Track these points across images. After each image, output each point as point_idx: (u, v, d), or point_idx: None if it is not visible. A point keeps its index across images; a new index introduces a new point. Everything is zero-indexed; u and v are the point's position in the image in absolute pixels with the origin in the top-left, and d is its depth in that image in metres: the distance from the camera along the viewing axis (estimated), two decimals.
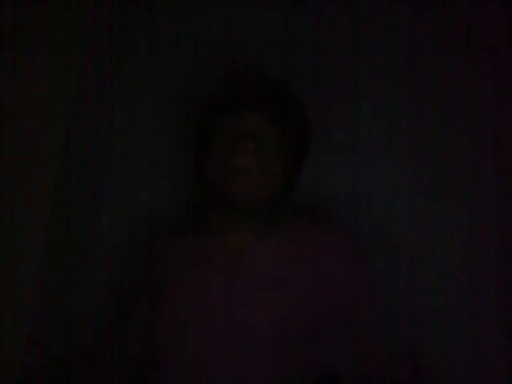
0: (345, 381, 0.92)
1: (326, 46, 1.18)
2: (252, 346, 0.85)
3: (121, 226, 1.15)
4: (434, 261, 1.13)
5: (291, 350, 0.86)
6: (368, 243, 1.13)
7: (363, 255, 0.95)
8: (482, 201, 1.13)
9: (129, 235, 1.14)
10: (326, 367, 0.91)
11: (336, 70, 1.18)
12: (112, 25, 1.08)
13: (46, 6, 0.92)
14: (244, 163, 0.86)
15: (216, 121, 0.92)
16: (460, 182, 1.14)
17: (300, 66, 1.17)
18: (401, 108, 1.16)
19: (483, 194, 1.14)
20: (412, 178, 1.15)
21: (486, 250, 1.12)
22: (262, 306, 0.87)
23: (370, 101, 1.17)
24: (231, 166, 0.87)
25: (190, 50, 1.17)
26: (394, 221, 1.14)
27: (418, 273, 1.13)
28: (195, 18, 1.17)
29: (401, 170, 1.16)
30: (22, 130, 0.90)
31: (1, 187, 0.89)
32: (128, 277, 1.02)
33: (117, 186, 1.15)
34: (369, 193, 1.15)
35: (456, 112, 1.16)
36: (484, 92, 1.15)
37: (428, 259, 1.13)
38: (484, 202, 1.13)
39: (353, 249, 0.93)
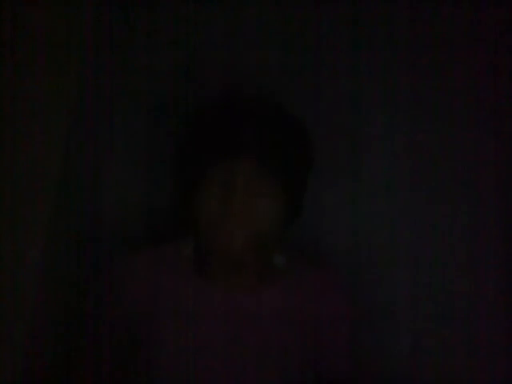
0: None
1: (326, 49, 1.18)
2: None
3: (121, 227, 1.15)
4: (435, 265, 1.13)
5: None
6: (368, 245, 1.14)
7: (350, 295, 0.96)
8: (483, 212, 1.14)
9: (129, 236, 1.15)
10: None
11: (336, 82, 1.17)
12: (112, 25, 1.08)
13: (46, 5, 0.91)
14: (233, 210, 0.79)
15: (203, 164, 0.84)
16: (461, 190, 1.15)
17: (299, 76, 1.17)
18: (401, 111, 1.17)
19: (484, 196, 1.14)
20: (411, 185, 1.15)
21: (486, 256, 1.13)
22: (260, 347, 0.87)
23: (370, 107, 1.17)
24: (220, 214, 0.80)
25: (191, 50, 1.17)
26: (393, 227, 1.14)
27: (418, 276, 1.13)
28: (196, 18, 1.17)
29: (400, 174, 1.16)
30: (22, 130, 0.90)
31: (1, 187, 0.89)
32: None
33: (117, 187, 1.15)
34: (366, 195, 1.15)
35: (457, 118, 1.16)
36: (484, 92, 1.15)
37: (428, 262, 1.13)
38: (486, 212, 1.14)
39: (343, 297, 0.94)
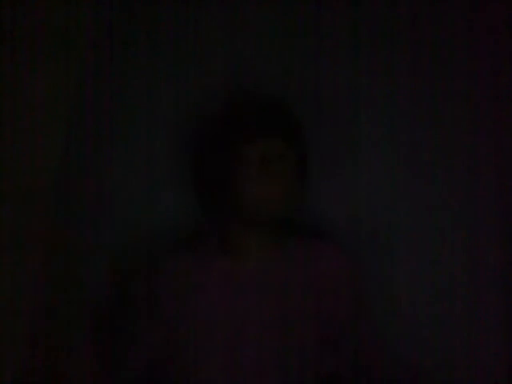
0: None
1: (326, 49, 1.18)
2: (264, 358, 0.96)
3: (121, 228, 1.15)
4: (435, 263, 1.13)
5: (295, 359, 0.96)
6: (368, 245, 1.14)
7: (357, 268, 1.05)
8: (482, 206, 1.14)
9: (129, 237, 1.15)
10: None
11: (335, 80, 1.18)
12: (112, 24, 1.08)
13: (46, 6, 0.91)
14: (280, 186, 0.95)
15: (233, 149, 0.98)
16: (460, 187, 1.14)
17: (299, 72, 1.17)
18: (401, 112, 1.17)
19: (483, 200, 1.14)
20: (412, 181, 1.15)
21: (486, 253, 1.13)
22: (269, 316, 0.97)
23: (369, 107, 1.17)
24: (268, 190, 0.95)
25: (191, 50, 1.17)
26: (393, 224, 1.14)
27: (418, 275, 1.13)
28: (196, 18, 1.17)
29: (401, 175, 1.16)
30: (22, 129, 0.90)
31: (1, 187, 0.89)
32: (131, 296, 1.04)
33: (117, 187, 1.15)
34: (368, 198, 1.15)
35: (456, 117, 1.16)
36: (484, 92, 1.15)
37: (428, 262, 1.13)
38: (485, 207, 1.14)
39: (348, 265, 1.03)
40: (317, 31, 1.17)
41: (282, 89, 1.16)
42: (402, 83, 1.17)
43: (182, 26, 1.17)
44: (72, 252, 1.06)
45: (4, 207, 0.89)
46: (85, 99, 1.00)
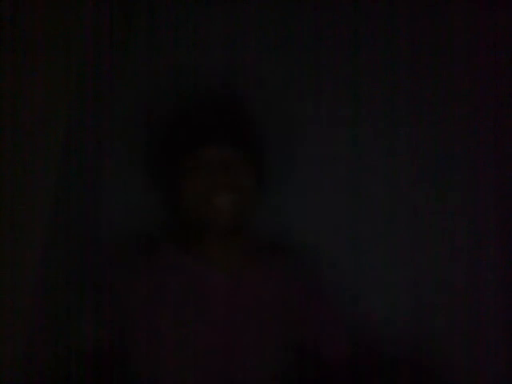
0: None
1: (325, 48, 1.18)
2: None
3: (121, 227, 1.15)
4: (434, 262, 1.14)
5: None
6: (368, 245, 1.14)
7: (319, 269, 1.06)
8: (482, 206, 1.14)
9: (129, 236, 1.15)
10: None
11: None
12: (112, 25, 1.08)
13: (45, 5, 0.91)
14: (223, 198, 0.93)
15: (180, 157, 0.96)
16: (459, 187, 1.15)
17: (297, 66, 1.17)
18: (401, 112, 1.17)
19: (483, 199, 1.14)
20: (412, 180, 1.15)
21: (486, 253, 1.13)
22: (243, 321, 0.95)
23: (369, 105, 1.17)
24: (210, 201, 0.93)
25: (191, 50, 1.17)
26: (393, 221, 1.14)
27: (418, 274, 1.13)
28: (196, 18, 1.17)
29: (401, 173, 1.16)
30: (22, 130, 0.90)
31: (1, 187, 0.89)
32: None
33: (117, 186, 1.15)
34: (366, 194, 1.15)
35: (457, 116, 1.16)
36: (484, 92, 1.16)
37: (428, 261, 1.14)
38: (484, 207, 1.14)
39: (311, 267, 1.05)
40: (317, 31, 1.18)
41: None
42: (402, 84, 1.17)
43: (182, 26, 1.17)
44: (71, 251, 1.06)
45: (4, 207, 0.89)
46: (85, 99, 1.00)
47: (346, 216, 1.15)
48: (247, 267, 0.99)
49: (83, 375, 0.96)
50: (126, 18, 1.15)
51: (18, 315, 0.87)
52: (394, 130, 1.17)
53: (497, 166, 1.14)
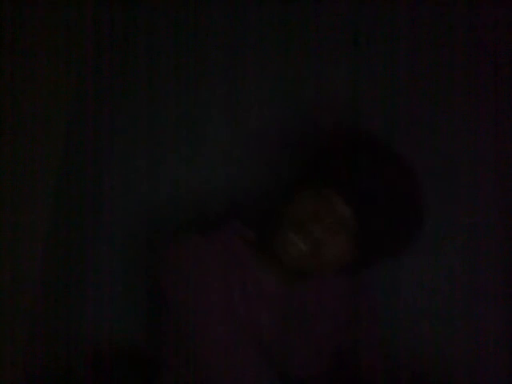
0: None
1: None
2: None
3: (121, 226, 1.15)
4: (435, 263, 1.13)
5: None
6: None
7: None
8: (482, 204, 1.14)
9: (129, 235, 1.15)
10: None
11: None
12: (112, 25, 1.08)
13: (46, 6, 0.91)
14: (301, 247, 0.84)
15: (299, 190, 0.87)
16: (460, 185, 1.15)
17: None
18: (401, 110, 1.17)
19: (484, 197, 1.14)
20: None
21: (486, 253, 1.13)
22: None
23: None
24: (289, 243, 0.84)
25: (191, 49, 1.17)
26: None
27: (419, 275, 1.13)
28: (196, 18, 1.17)
29: None
30: (22, 130, 0.90)
31: (1, 187, 0.89)
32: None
33: (117, 186, 1.15)
34: None
35: (457, 113, 1.16)
36: (484, 92, 1.15)
37: (429, 261, 1.13)
38: (485, 205, 1.14)
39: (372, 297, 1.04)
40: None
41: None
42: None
43: (182, 26, 1.17)
44: (71, 250, 1.06)
45: (4, 207, 0.89)
46: (85, 99, 1.00)
47: None
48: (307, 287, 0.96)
49: (83, 375, 0.96)
50: (125, 19, 1.15)
51: (19, 315, 0.87)
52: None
53: (497, 166, 1.14)
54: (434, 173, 1.15)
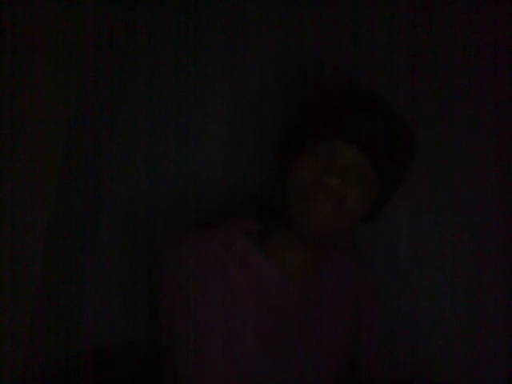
0: None
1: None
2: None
3: (121, 226, 1.15)
4: (436, 263, 1.13)
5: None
6: (371, 247, 1.14)
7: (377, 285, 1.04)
8: (483, 204, 1.14)
9: (129, 235, 1.15)
10: None
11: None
12: (112, 25, 1.08)
13: (46, 7, 0.91)
14: (321, 204, 0.79)
15: (307, 142, 0.83)
16: (461, 185, 1.15)
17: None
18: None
19: (484, 197, 1.14)
20: (412, 183, 1.15)
21: (487, 253, 1.13)
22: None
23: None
24: (308, 203, 0.80)
25: (191, 49, 1.17)
26: (395, 225, 1.14)
27: (420, 275, 1.13)
28: (196, 18, 1.17)
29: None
30: (22, 130, 0.90)
31: (1, 187, 0.89)
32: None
33: (117, 186, 1.15)
34: None
35: (457, 113, 1.16)
36: (484, 92, 1.15)
37: (429, 261, 1.13)
38: (485, 204, 1.14)
39: (375, 281, 1.01)
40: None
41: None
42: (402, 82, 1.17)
43: (182, 26, 1.17)
44: (72, 250, 1.06)
45: (4, 207, 0.89)
46: (85, 99, 1.00)
47: None
48: (316, 273, 0.92)
49: (83, 375, 0.96)
50: (125, 19, 1.15)
51: (19, 315, 0.87)
52: None
53: (497, 166, 1.14)
54: (434, 172, 1.15)
